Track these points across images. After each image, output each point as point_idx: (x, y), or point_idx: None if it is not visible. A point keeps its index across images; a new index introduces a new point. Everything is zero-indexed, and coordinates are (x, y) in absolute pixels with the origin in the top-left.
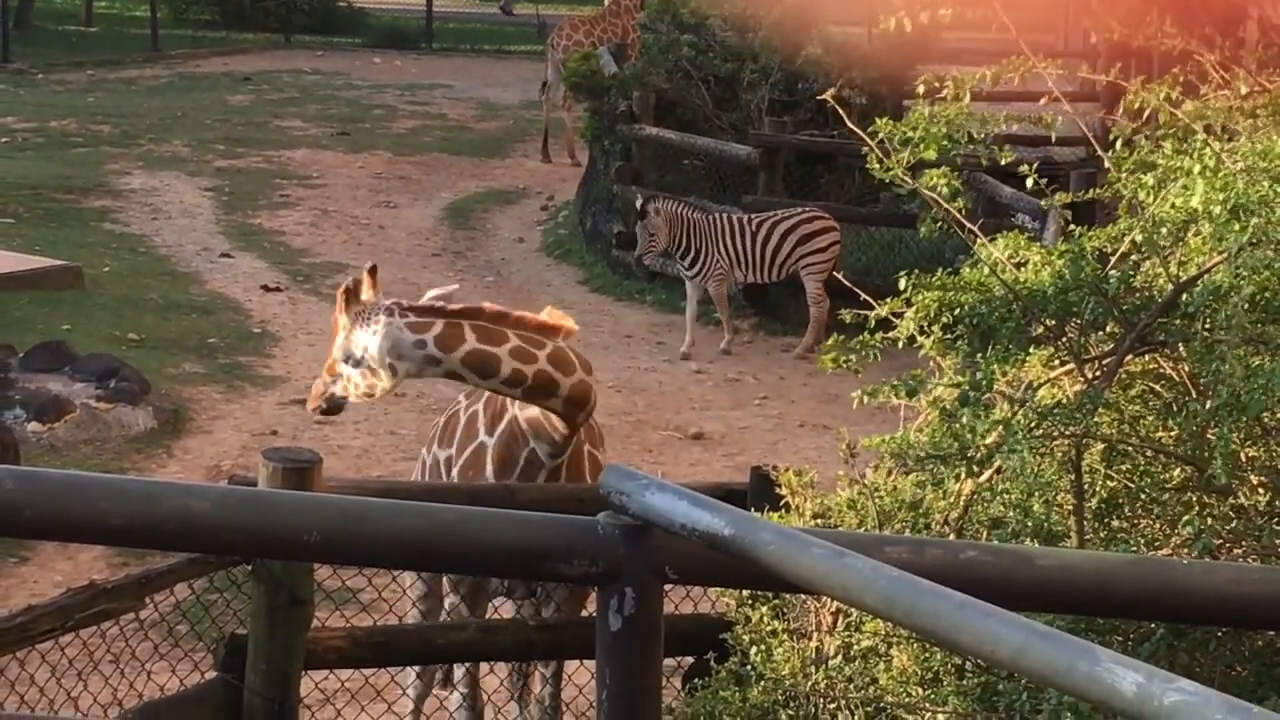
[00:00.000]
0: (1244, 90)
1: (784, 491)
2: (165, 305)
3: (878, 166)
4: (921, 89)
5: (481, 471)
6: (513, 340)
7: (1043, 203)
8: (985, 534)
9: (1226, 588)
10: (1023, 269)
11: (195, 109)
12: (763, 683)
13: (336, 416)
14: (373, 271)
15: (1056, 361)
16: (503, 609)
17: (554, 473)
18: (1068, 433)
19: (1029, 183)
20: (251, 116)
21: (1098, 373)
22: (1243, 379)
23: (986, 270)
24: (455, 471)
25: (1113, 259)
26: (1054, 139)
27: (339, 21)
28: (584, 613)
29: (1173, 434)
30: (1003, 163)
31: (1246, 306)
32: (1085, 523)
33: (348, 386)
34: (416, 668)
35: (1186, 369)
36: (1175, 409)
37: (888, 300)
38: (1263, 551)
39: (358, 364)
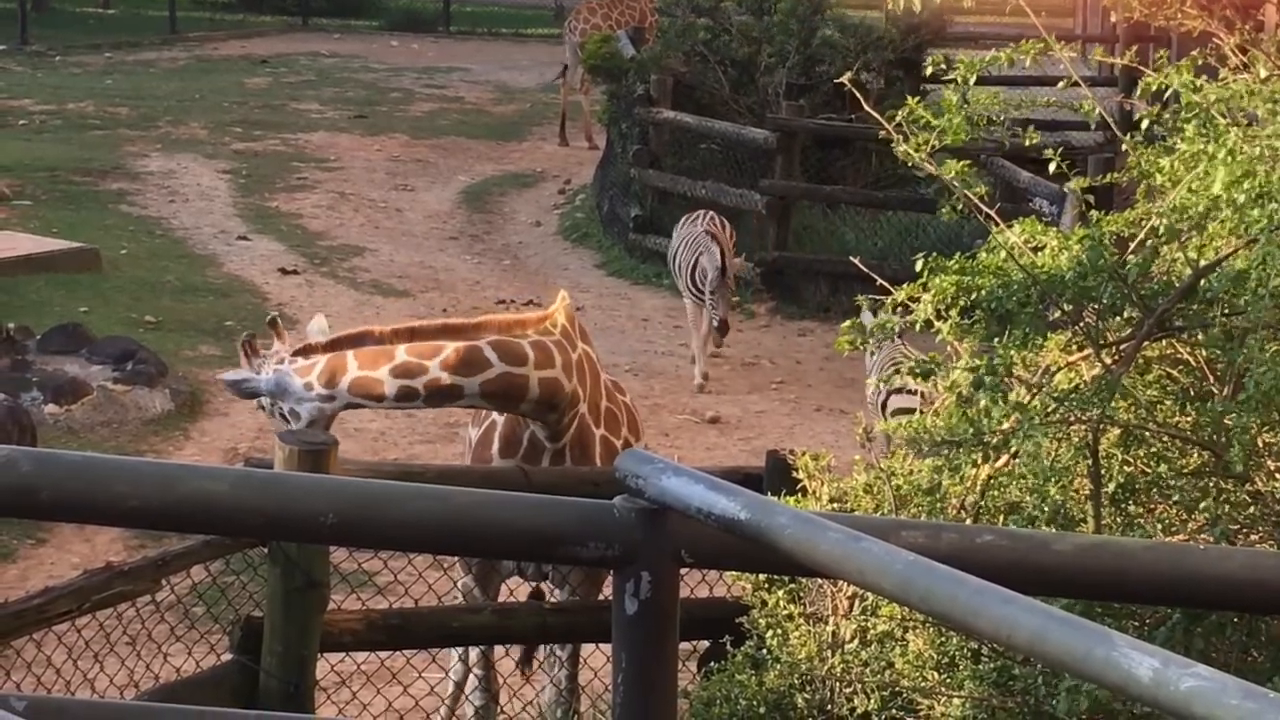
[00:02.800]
0: (1263, 74)
1: (800, 475)
2: (182, 288)
3: (903, 150)
4: (930, 70)
5: (489, 449)
6: (399, 357)
7: (1066, 186)
8: (1002, 519)
9: (1242, 573)
10: (1040, 254)
11: (213, 92)
12: (778, 667)
13: None
14: (273, 323)
15: (1074, 346)
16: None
17: (557, 455)
18: (1085, 418)
19: (1052, 167)
20: (269, 99)
21: (1115, 358)
22: (1262, 366)
23: (1004, 255)
24: (470, 449)
25: (1132, 244)
26: (1092, 126)
27: (356, 4)
28: (599, 596)
29: (1190, 419)
30: (1027, 144)
31: (1270, 295)
32: (1102, 508)
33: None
34: (458, 650)
35: (1205, 355)
36: (1193, 395)
37: (905, 285)
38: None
39: (270, 410)
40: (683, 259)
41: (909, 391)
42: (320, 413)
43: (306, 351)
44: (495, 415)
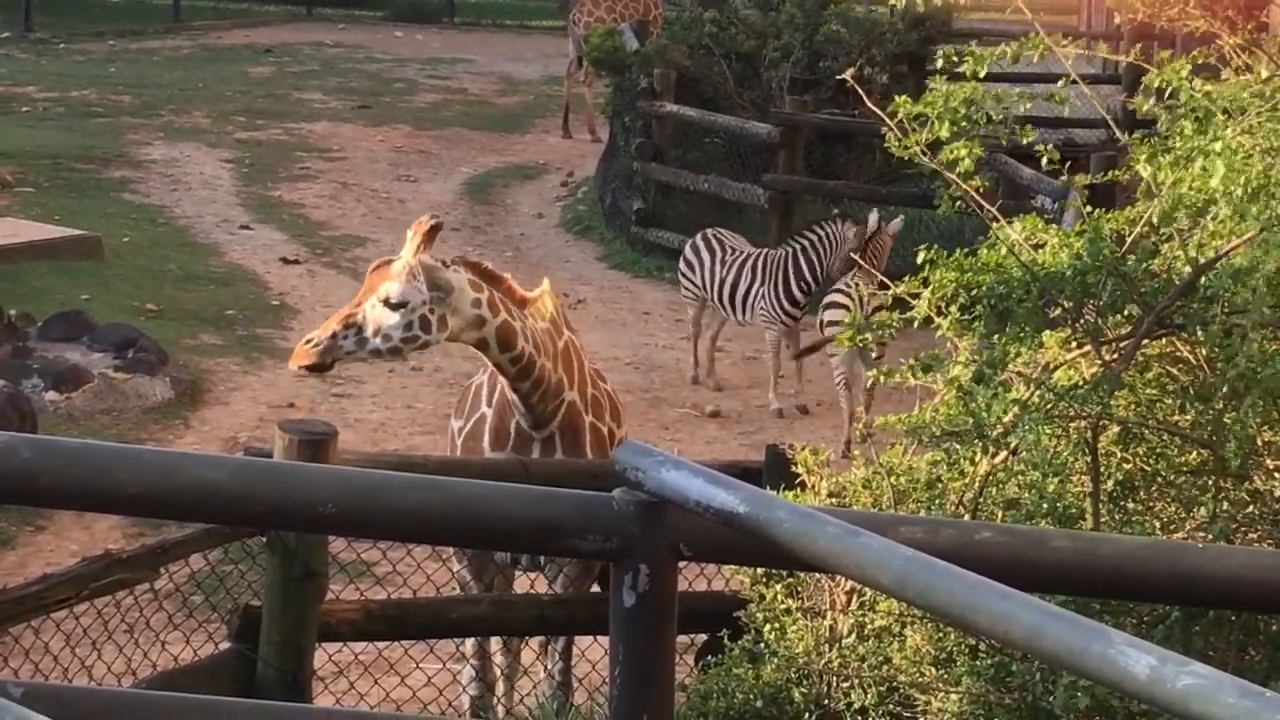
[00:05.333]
0: (1265, 74)
1: (800, 470)
2: (184, 276)
3: (896, 145)
4: (940, 62)
5: (480, 441)
6: (520, 317)
7: (1059, 181)
8: (1000, 515)
9: (1241, 572)
10: (1041, 250)
11: (216, 81)
12: (776, 661)
13: (350, 391)
14: (437, 226)
15: (1073, 343)
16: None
17: (547, 444)
18: (1084, 414)
19: (1044, 162)
20: (272, 89)
21: (1115, 355)
22: (1260, 363)
23: (1004, 251)
24: (460, 441)
25: (1129, 239)
26: (1067, 114)
27: None
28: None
29: (1189, 417)
30: (1024, 141)
31: (1265, 289)
32: (1100, 505)
33: (374, 339)
34: (473, 650)
35: (1204, 352)
36: (1193, 392)
37: (905, 280)
38: (1279, 536)
39: (406, 308)
40: (727, 289)
41: (840, 306)
42: (459, 331)
43: (474, 270)
44: (484, 407)
